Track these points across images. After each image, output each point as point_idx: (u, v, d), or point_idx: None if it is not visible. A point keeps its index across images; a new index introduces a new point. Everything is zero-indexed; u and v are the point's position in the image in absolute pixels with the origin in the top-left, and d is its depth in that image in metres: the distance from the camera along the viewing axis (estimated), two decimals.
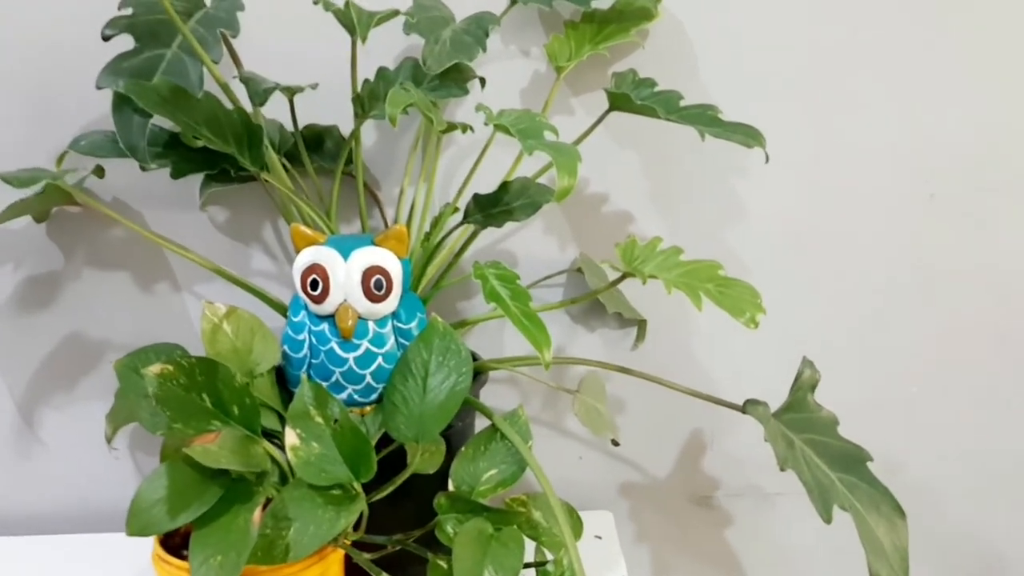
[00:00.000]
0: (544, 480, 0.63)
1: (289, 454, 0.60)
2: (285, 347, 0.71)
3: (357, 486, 0.61)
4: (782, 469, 0.64)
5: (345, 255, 0.68)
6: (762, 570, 0.99)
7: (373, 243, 0.69)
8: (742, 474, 0.96)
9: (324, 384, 0.70)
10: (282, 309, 0.76)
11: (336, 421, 0.62)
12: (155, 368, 0.63)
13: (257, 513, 0.58)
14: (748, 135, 0.73)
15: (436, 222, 0.78)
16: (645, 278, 0.65)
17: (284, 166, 0.79)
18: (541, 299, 0.88)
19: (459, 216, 0.76)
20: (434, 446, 0.66)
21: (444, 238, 0.77)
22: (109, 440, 0.77)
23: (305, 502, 0.59)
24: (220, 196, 0.86)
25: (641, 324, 0.90)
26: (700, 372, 0.92)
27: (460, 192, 0.77)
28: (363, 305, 0.68)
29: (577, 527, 0.65)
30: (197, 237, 0.86)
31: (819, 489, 0.64)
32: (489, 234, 0.86)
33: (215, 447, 0.59)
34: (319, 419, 0.62)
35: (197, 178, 0.84)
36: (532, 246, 0.89)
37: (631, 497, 0.96)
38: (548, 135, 0.64)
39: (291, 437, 0.61)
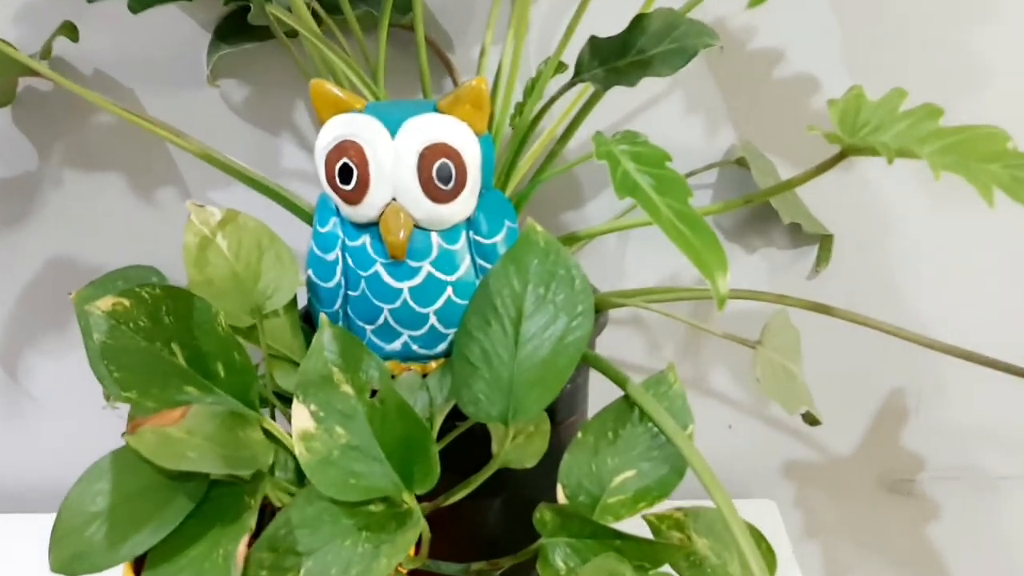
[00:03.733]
0: (717, 489, 0.38)
1: (298, 446, 0.37)
2: (310, 272, 0.47)
3: (410, 499, 0.37)
4: None
5: (393, 128, 0.44)
6: None
7: (436, 109, 0.44)
8: (957, 450, 0.69)
9: (368, 328, 0.47)
10: None
11: (375, 393, 0.38)
12: (103, 303, 0.41)
13: (244, 543, 0.35)
14: None
15: (532, 85, 0.52)
16: (892, 154, 0.38)
17: (315, 13, 0.54)
18: None
19: (566, 78, 0.51)
20: (532, 426, 0.42)
21: (545, 109, 0.51)
22: (108, 399, 0.56)
23: (324, 525, 0.36)
24: (235, 64, 0.62)
25: (825, 241, 0.64)
26: (903, 312, 0.65)
27: (566, 41, 0.51)
28: (422, 206, 0.44)
29: (770, 561, 0.40)
30: (207, 122, 0.63)
31: None
32: (603, 111, 0.59)
33: (179, 430, 0.36)
34: (347, 388, 0.38)
35: (198, 38, 0.61)
36: (668, 128, 0.62)
37: (800, 479, 0.70)
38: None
39: (302, 417, 0.38)
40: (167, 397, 0.39)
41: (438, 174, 0.43)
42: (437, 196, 0.44)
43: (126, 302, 0.41)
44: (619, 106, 0.62)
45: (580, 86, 0.51)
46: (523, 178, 0.56)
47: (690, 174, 0.61)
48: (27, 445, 0.71)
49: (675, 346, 0.67)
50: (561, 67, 0.54)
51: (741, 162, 0.60)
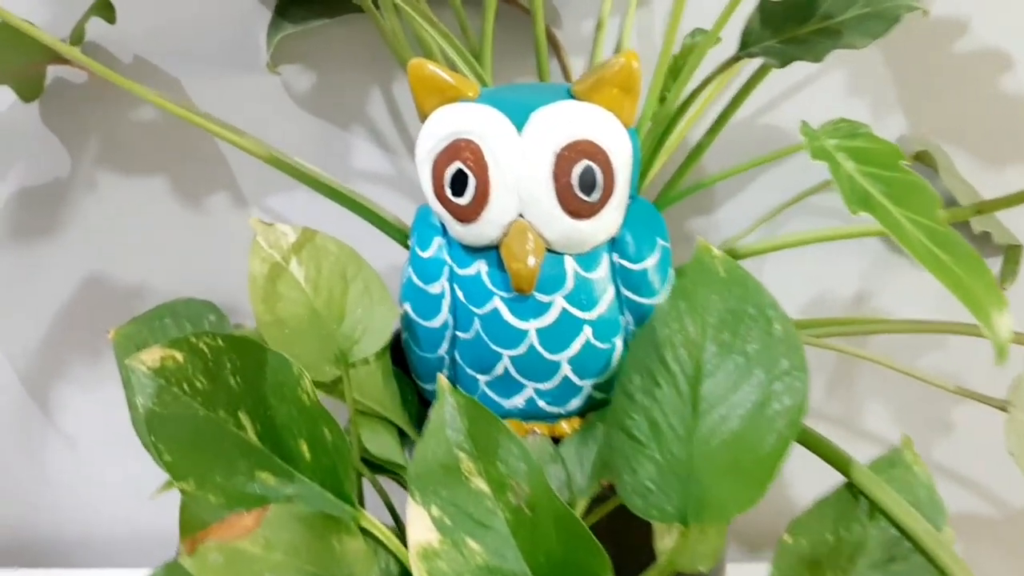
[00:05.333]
0: None
1: (417, 567, 0.27)
2: (406, 307, 0.37)
3: None
4: None
5: (519, 121, 0.33)
6: None
7: (571, 95, 0.34)
8: None
9: (481, 379, 0.37)
10: (404, 236, 0.43)
11: (519, 492, 0.28)
12: (150, 357, 0.31)
13: None
14: None
15: (679, 64, 0.41)
16: None
17: None
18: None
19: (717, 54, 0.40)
20: (714, 526, 0.32)
21: (696, 93, 0.40)
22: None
23: None
24: (299, 45, 0.52)
25: (1012, 252, 0.52)
26: None
27: (728, 14, 0.40)
28: (557, 224, 0.33)
29: None
30: (266, 115, 0.53)
31: None
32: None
33: (253, 543, 0.26)
34: (480, 483, 0.28)
35: (255, 16, 0.51)
36: (821, 115, 0.51)
37: (968, 535, 0.59)
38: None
39: (420, 526, 0.27)
40: (234, 488, 0.29)
41: (580, 181, 0.33)
42: (577, 210, 0.33)
43: (178, 356, 0.31)
44: (771, 87, 0.50)
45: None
46: (657, 180, 0.45)
47: None
48: (55, 489, 0.62)
49: (825, 377, 0.55)
50: (715, 40, 0.43)
51: (922, 158, 0.49)
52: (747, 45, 0.38)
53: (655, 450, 0.30)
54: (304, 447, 0.30)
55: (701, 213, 0.53)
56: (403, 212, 0.53)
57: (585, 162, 0.33)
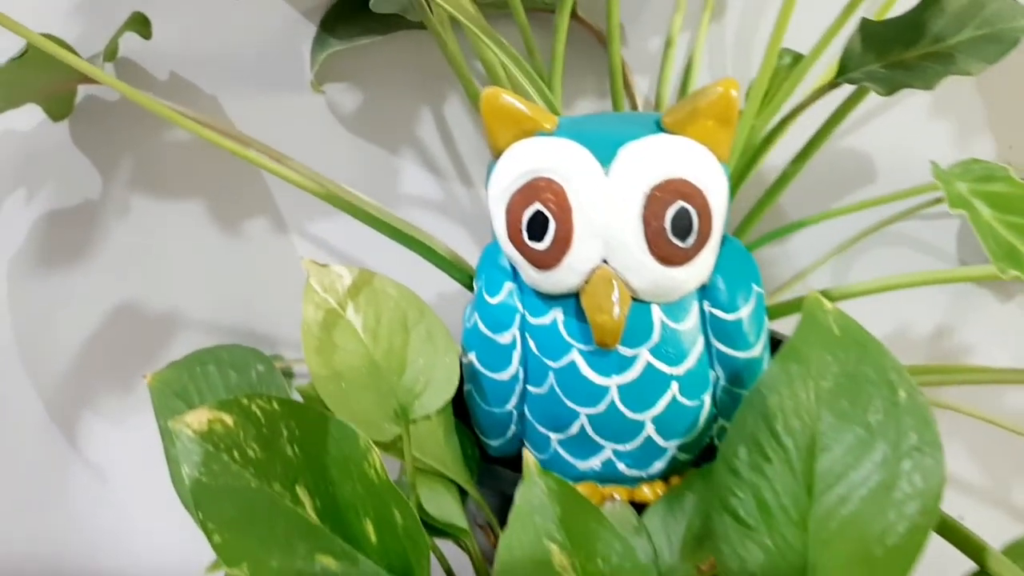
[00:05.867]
0: None
1: None
2: (471, 356, 0.34)
3: None
4: None
5: (605, 158, 0.30)
6: None
7: (662, 128, 0.31)
8: None
9: (554, 437, 0.33)
10: (467, 277, 0.39)
11: None
12: (196, 420, 0.28)
13: None
14: None
15: (772, 91, 0.38)
16: None
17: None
18: (925, 243, 0.48)
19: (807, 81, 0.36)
20: None
21: (786, 122, 0.37)
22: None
23: None
24: (345, 63, 0.49)
25: None
26: None
27: (831, 36, 0.36)
28: (647, 271, 0.30)
29: None
30: (311, 140, 0.50)
31: None
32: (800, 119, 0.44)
33: None
34: None
35: (299, 31, 0.48)
36: (895, 143, 0.47)
37: None
38: None
39: None
40: (292, 573, 0.26)
41: (674, 225, 0.29)
42: (670, 256, 0.30)
43: (228, 419, 0.28)
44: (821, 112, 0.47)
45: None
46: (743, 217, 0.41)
47: (923, 206, 0.46)
48: (85, 527, 0.59)
49: None
50: (798, 60, 0.39)
51: None
52: (847, 70, 0.35)
53: (765, 534, 0.27)
54: (370, 528, 0.26)
55: (772, 241, 0.50)
56: (454, 241, 0.50)
57: (680, 203, 0.29)
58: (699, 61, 0.45)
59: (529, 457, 0.27)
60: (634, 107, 0.46)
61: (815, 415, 0.27)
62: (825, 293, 0.37)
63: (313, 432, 0.27)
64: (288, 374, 0.57)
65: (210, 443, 0.28)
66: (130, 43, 0.48)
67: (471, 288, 0.39)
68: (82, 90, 0.50)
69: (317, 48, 0.47)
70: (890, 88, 0.33)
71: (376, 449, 0.27)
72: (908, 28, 0.34)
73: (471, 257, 0.50)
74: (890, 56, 0.34)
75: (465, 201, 0.50)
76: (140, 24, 0.47)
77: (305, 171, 0.43)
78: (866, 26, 0.34)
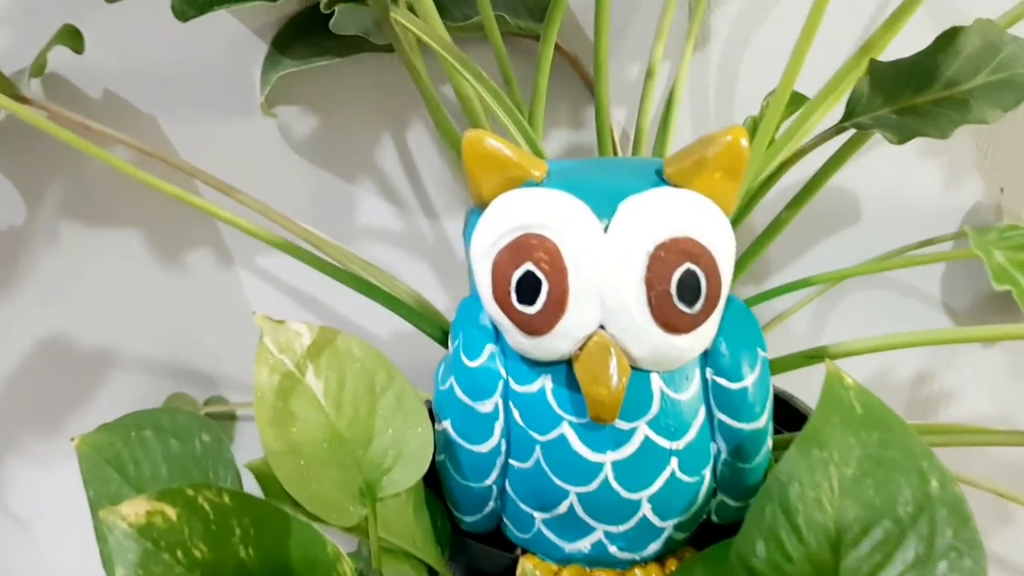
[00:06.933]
0: None
1: None
2: (446, 425, 0.30)
3: None
4: None
5: (604, 212, 0.27)
6: None
7: (664, 179, 0.28)
8: None
9: (539, 516, 0.30)
10: (439, 330, 0.36)
11: None
12: (133, 511, 0.24)
13: None
14: None
15: (776, 136, 0.35)
16: None
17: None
18: (909, 284, 0.46)
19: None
20: None
21: (786, 167, 0.34)
22: None
23: None
24: (299, 85, 0.45)
25: None
26: None
27: (839, 82, 0.33)
28: (648, 339, 0.27)
29: None
30: (261, 168, 0.46)
31: None
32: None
33: None
34: None
35: (249, 49, 0.44)
36: (890, 180, 0.45)
37: None
38: None
39: None
40: None
41: (680, 289, 0.26)
42: (675, 323, 0.27)
43: (171, 513, 0.24)
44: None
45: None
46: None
47: (926, 243, 0.44)
48: None
49: None
50: (797, 99, 0.37)
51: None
52: (854, 114, 0.32)
53: None
54: None
55: (751, 279, 0.47)
56: (418, 279, 0.47)
57: (687, 265, 0.26)
58: (681, 93, 0.42)
59: (524, 564, 0.23)
60: (612, 141, 0.43)
61: (839, 507, 0.25)
62: (823, 351, 0.35)
63: (272, 532, 0.23)
64: (231, 417, 0.53)
65: (149, 540, 0.24)
66: (60, 57, 0.43)
67: (442, 341, 0.36)
68: (3, 110, 0.45)
69: (268, 68, 0.43)
70: (903, 136, 0.31)
71: (347, 559, 0.23)
72: (919, 71, 0.32)
73: (436, 297, 0.47)
74: (900, 101, 0.32)
75: (429, 235, 0.46)
76: (71, 37, 0.43)
77: (254, 203, 0.39)
78: (875, 68, 0.32)
